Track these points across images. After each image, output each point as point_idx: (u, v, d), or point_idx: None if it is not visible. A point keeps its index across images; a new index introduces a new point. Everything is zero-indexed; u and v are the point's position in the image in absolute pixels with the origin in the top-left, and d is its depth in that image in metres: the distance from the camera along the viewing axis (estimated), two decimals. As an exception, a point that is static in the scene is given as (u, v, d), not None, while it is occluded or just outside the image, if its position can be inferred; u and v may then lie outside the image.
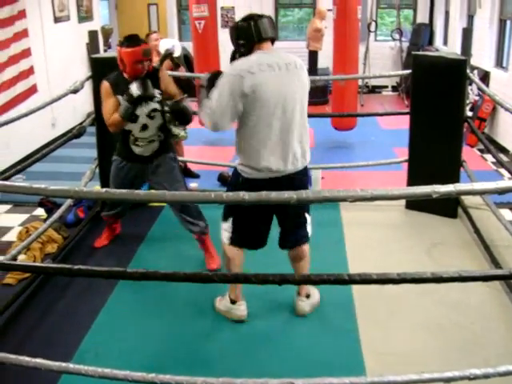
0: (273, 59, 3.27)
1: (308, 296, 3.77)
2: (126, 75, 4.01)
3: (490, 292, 3.89)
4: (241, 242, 3.58)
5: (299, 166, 3.39)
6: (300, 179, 3.42)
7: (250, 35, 3.30)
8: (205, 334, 3.60)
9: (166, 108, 4.03)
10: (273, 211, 3.51)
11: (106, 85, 4.03)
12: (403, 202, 5.34)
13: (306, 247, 3.72)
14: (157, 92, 4.03)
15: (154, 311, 3.84)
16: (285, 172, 3.34)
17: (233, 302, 3.70)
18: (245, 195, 2.01)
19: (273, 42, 3.41)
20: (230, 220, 3.52)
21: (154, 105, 4.05)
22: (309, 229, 3.69)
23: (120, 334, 3.60)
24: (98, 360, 3.28)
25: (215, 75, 3.39)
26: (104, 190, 2.15)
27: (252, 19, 3.33)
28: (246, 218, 3.46)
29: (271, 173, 3.32)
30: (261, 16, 3.37)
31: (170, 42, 5.94)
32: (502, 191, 1.99)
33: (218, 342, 3.52)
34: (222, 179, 6.19)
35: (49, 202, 5.27)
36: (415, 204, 5.17)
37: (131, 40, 3.93)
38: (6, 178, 4.03)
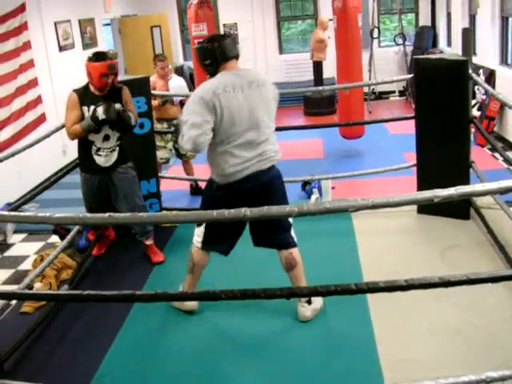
0: (237, 79, 3.46)
1: (309, 302, 3.80)
2: (91, 87, 4.42)
3: (506, 293, 3.85)
4: (212, 246, 3.78)
5: (265, 169, 3.59)
6: (270, 182, 3.64)
7: (215, 56, 3.48)
8: (222, 353, 3.59)
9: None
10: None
11: (73, 96, 4.40)
12: (415, 206, 5.31)
13: (294, 251, 3.81)
14: (118, 106, 4.38)
15: (169, 332, 3.85)
16: (257, 172, 3.56)
17: None
18: (246, 211, 2.02)
19: (237, 59, 3.59)
20: (203, 226, 3.71)
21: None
22: (293, 234, 3.83)
23: (137, 356, 3.60)
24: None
25: None
26: (107, 214, 2.16)
27: (215, 40, 3.51)
28: (218, 226, 3.62)
29: (247, 176, 3.52)
30: (224, 36, 3.60)
31: (177, 82, 6.59)
32: (504, 191, 1.99)
33: (237, 360, 3.50)
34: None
35: (62, 229, 5.31)
36: (427, 208, 5.14)
37: (98, 55, 4.36)
38: (17, 207, 4.09)
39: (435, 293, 3.71)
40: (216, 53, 3.46)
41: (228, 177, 3.53)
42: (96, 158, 4.43)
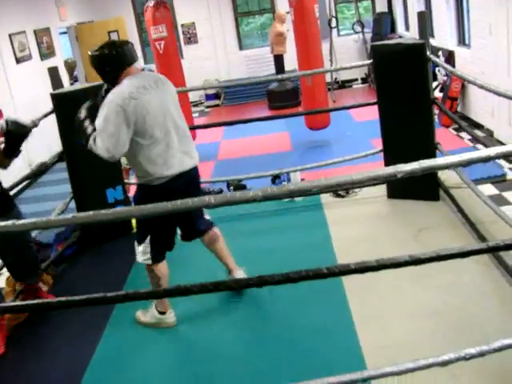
0: (144, 81, 3.48)
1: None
2: None
3: (480, 269, 3.89)
4: (162, 252, 3.74)
5: (190, 165, 3.64)
6: (194, 177, 3.73)
7: (118, 62, 3.46)
8: (204, 352, 3.56)
9: None
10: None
11: None
12: (384, 192, 5.34)
13: (215, 229, 3.97)
14: None
15: (150, 338, 3.80)
16: (184, 171, 3.60)
17: (162, 313, 3.80)
18: (211, 198, 1.98)
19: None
20: (147, 239, 3.63)
21: None
22: (208, 216, 3.96)
23: (120, 365, 3.56)
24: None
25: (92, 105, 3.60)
26: (70, 215, 2.12)
27: (117, 46, 3.50)
28: (163, 228, 3.65)
29: (176, 175, 3.55)
30: (123, 42, 3.59)
31: None
32: (465, 163, 1.99)
33: (218, 357, 3.47)
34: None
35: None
36: (396, 192, 5.17)
37: None
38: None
39: (411, 276, 3.78)
40: (120, 58, 3.44)
41: (159, 179, 3.52)
42: None
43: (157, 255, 3.69)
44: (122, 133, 3.34)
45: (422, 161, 1.96)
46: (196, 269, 4.40)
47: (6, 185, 4.02)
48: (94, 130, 3.42)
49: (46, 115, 4.88)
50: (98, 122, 3.39)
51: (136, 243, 3.71)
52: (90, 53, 3.55)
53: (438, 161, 2.00)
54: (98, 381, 3.42)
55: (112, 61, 3.44)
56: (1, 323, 3.87)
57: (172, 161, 3.52)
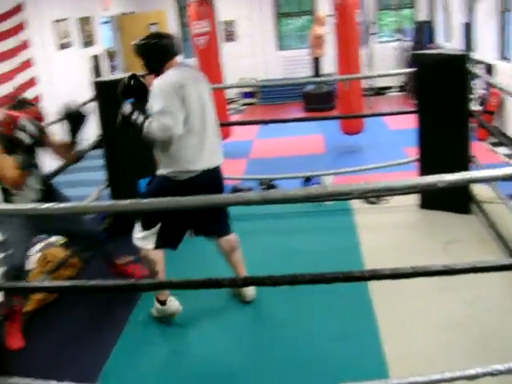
0: (188, 73, 3.59)
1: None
2: None
3: (509, 285, 3.86)
4: (166, 243, 3.72)
5: (216, 163, 3.68)
6: (218, 175, 3.73)
7: (164, 52, 3.54)
8: (228, 351, 3.57)
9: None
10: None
11: None
12: (415, 201, 5.31)
13: (234, 236, 3.90)
14: None
15: (176, 332, 3.82)
16: (211, 167, 3.63)
17: (162, 302, 3.77)
18: (250, 195, 2.01)
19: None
20: (157, 227, 3.61)
21: None
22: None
23: (142, 355, 3.59)
24: (122, 381, 3.31)
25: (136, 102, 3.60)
26: (110, 202, 2.17)
27: (164, 37, 3.58)
28: (177, 220, 3.61)
29: (203, 171, 3.57)
30: (169, 34, 3.68)
31: None
32: (509, 177, 1.99)
33: (242, 357, 3.49)
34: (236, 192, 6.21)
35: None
36: (428, 203, 5.15)
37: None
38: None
39: (436, 287, 3.77)
40: (166, 49, 3.52)
41: (186, 172, 3.54)
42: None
43: (162, 244, 3.69)
44: (177, 111, 3.40)
45: (465, 172, 1.97)
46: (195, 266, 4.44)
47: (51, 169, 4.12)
48: (146, 117, 3.46)
49: (87, 102, 4.95)
50: (153, 105, 3.43)
51: (140, 226, 3.69)
52: (135, 42, 3.61)
53: (482, 172, 2.00)
54: (122, 366, 3.46)
55: (158, 50, 3.52)
56: (15, 317, 3.75)
57: (202, 155, 3.55)
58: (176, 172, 3.56)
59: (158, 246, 3.69)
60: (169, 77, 3.47)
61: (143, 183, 5.23)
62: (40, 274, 4.45)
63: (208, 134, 3.59)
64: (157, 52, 3.53)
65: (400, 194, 5.22)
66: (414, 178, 2.03)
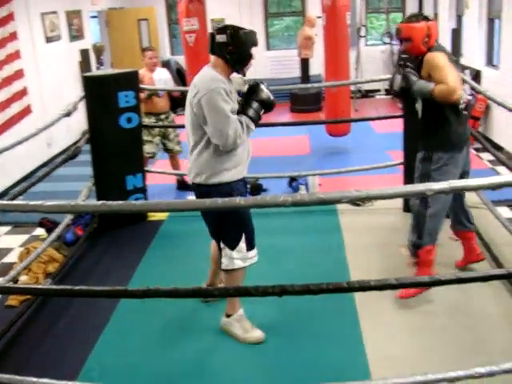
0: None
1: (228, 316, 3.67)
2: None
3: (491, 290, 3.90)
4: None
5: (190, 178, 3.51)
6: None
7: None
8: (209, 348, 3.59)
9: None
10: None
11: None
12: (401, 205, 5.35)
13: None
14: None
15: (157, 327, 3.84)
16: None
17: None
18: (241, 200, 2.02)
19: None
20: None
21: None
22: None
23: (125, 350, 3.59)
24: (103, 378, 3.29)
25: None
26: (100, 202, 2.16)
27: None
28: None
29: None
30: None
31: (161, 75, 6.42)
32: (495, 187, 2.01)
33: (223, 355, 3.52)
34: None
35: (49, 222, 5.29)
36: (413, 206, 5.18)
37: None
38: (13, 199, 4.06)
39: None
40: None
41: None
42: None
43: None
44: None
45: (452, 181, 1.99)
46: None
47: (31, 166, 4.10)
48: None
49: (80, 100, 4.92)
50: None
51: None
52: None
53: (469, 182, 2.02)
54: (103, 363, 3.45)
55: (242, 43, 3.40)
56: None
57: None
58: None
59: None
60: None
61: (130, 179, 5.25)
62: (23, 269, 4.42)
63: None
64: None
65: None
66: (404, 186, 2.07)
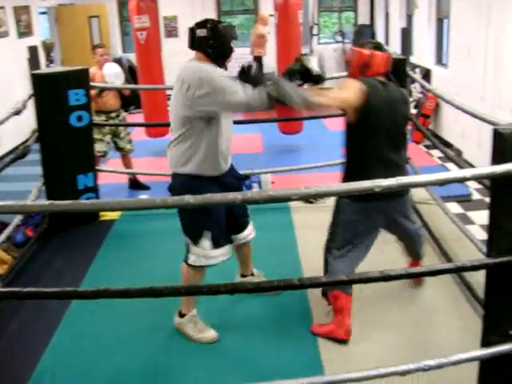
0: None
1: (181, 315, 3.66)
2: None
3: (441, 284, 3.97)
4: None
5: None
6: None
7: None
8: (163, 348, 3.56)
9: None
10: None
11: None
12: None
13: None
14: None
15: (110, 328, 3.78)
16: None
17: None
18: (190, 199, 1.99)
19: None
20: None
21: None
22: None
23: (77, 352, 3.53)
24: (55, 381, 3.24)
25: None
26: (48, 202, 2.12)
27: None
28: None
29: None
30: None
31: (112, 69, 6.10)
32: (442, 183, 2.05)
33: (177, 355, 3.49)
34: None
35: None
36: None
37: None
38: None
39: (372, 287, 3.82)
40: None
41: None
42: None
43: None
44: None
45: (399, 177, 2.01)
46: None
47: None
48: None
49: (29, 98, 4.81)
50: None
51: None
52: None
53: (416, 178, 2.05)
54: (55, 366, 3.38)
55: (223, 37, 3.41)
56: None
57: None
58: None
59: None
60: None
61: (80, 179, 5.17)
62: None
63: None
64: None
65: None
66: (352, 183, 2.05)
